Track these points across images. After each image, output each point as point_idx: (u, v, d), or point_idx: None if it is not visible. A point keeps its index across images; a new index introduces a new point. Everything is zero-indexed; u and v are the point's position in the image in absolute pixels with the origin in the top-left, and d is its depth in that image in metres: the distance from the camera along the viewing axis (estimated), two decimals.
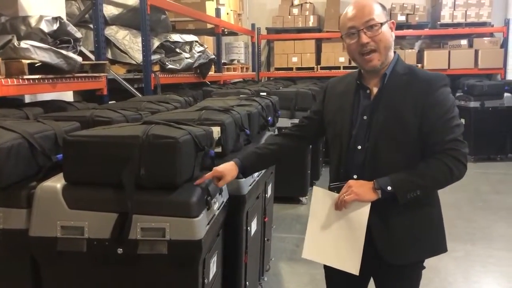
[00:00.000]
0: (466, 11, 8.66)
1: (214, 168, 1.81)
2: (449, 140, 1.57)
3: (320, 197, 1.69)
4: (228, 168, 1.82)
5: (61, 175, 1.68)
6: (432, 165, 1.58)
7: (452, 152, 1.56)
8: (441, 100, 1.60)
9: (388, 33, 1.64)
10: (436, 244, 1.71)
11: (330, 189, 1.71)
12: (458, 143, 1.57)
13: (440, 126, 1.58)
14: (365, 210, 1.60)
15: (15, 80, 2.79)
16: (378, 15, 1.62)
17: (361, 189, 1.59)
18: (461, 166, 1.57)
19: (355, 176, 1.66)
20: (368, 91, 1.70)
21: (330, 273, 1.84)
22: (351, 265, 1.64)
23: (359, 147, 1.67)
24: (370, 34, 1.61)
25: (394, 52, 1.71)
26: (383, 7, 1.67)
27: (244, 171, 1.88)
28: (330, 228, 1.67)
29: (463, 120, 6.47)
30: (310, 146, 4.86)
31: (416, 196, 1.57)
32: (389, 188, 1.56)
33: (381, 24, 1.61)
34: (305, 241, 1.73)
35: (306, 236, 1.73)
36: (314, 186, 1.75)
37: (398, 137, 1.61)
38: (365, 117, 1.68)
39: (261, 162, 1.95)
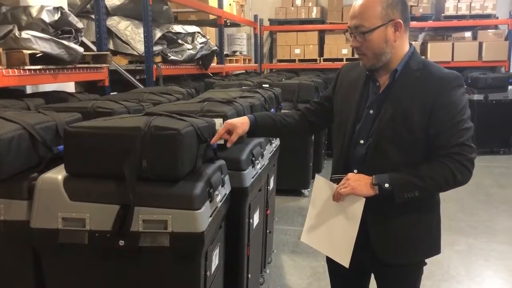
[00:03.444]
0: (470, 3, 8.59)
1: (226, 121, 1.79)
2: (456, 144, 1.51)
3: (320, 186, 1.69)
4: (240, 121, 1.78)
5: (62, 166, 1.67)
6: (435, 168, 1.53)
7: (458, 157, 1.51)
8: (452, 101, 1.53)
9: (379, 39, 1.54)
10: (432, 246, 1.70)
11: (331, 180, 1.69)
12: (465, 148, 1.52)
13: (448, 128, 1.52)
14: (360, 204, 1.58)
15: (16, 70, 2.78)
16: (371, 19, 1.53)
17: (358, 183, 1.56)
18: (465, 172, 1.53)
19: (355, 171, 1.63)
20: (377, 84, 1.65)
21: (333, 267, 1.83)
22: (342, 257, 1.64)
23: (362, 141, 1.64)
24: (359, 39, 1.57)
25: (410, 45, 1.64)
26: (391, 3, 1.53)
27: (254, 130, 1.82)
28: (326, 218, 1.68)
29: None
30: (313, 137, 4.86)
31: (415, 197, 1.53)
32: (386, 185, 1.53)
33: (372, 29, 1.53)
34: (304, 225, 1.74)
35: (306, 221, 1.74)
36: (316, 175, 1.74)
37: (402, 135, 1.56)
38: (371, 112, 1.63)
39: (272, 128, 1.87)
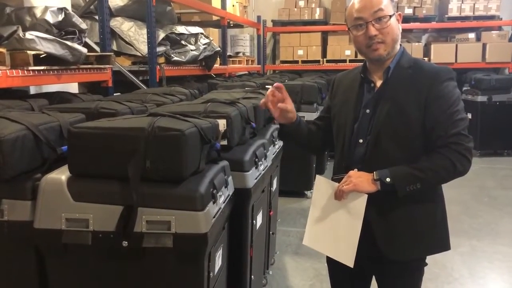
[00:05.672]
0: (474, 4, 8.57)
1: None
2: (452, 134, 1.54)
3: (321, 186, 1.69)
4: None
5: (66, 167, 1.67)
6: (434, 159, 1.55)
7: (456, 147, 1.53)
8: (445, 93, 1.57)
9: (395, 26, 1.62)
10: (438, 242, 1.69)
11: (333, 180, 1.70)
12: (462, 137, 1.54)
13: (443, 119, 1.55)
14: (362, 201, 1.59)
15: (20, 71, 2.78)
16: (386, 6, 1.59)
17: (360, 179, 1.57)
18: (465, 161, 1.54)
19: (355, 170, 1.63)
20: (372, 85, 1.69)
21: (333, 270, 1.84)
22: (346, 256, 1.64)
23: (361, 140, 1.66)
24: (378, 26, 1.58)
25: (400, 45, 1.68)
26: None
27: (291, 126, 1.79)
28: (329, 218, 1.67)
29: (469, 115, 6.43)
30: None
31: (417, 190, 1.55)
32: (388, 179, 1.54)
33: (390, 16, 1.59)
34: (306, 228, 1.74)
35: (308, 224, 1.74)
36: (317, 175, 1.74)
37: (399, 131, 1.59)
38: (368, 111, 1.66)
39: (305, 132, 1.84)
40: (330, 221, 1.67)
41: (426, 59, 8.27)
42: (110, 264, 1.64)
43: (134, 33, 4.69)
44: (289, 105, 1.75)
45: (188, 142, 1.59)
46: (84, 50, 3.24)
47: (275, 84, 1.75)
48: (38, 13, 3.03)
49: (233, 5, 7.89)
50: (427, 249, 1.69)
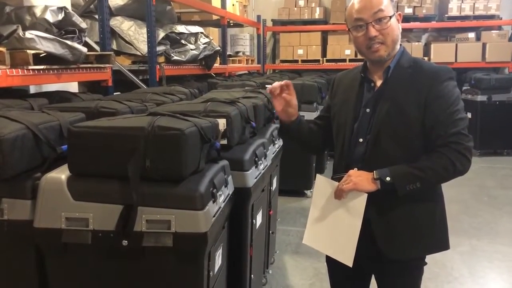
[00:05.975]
0: (474, 4, 8.56)
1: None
2: (452, 133, 1.54)
3: (322, 185, 1.70)
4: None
5: (66, 166, 1.67)
6: (433, 158, 1.55)
7: (455, 146, 1.54)
8: (445, 93, 1.57)
9: (395, 26, 1.62)
10: (438, 241, 1.69)
11: (333, 179, 1.70)
12: (462, 137, 1.55)
13: (443, 119, 1.55)
14: (362, 200, 1.59)
15: (20, 70, 2.78)
16: (386, 6, 1.59)
17: (360, 178, 1.58)
18: (464, 160, 1.55)
19: (355, 169, 1.64)
20: (372, 84, 1.69)
21: (333, 269, 1.84)
22: (346, 255, 1.64)
23: (361, 139, 1.66)
24: (378, 27, 1.59)
25: (400, 45, 1.68)
26: None
27: (292, 125, 1.81)
28: (329, 217, 1.68)
29: (469, 114, 6.44)
30: None
31: (417, 189, 1.55)
32: (388, 178, 1.54)
33: (390, 17, 1.59)
34: (306, 227, 1.74)
35: (308, 223, 1.74)
36: (317, 174, 1.75)
37: (399, 131, 1.59)
38: (367, 110, 1.67)
39: (306, 131, 1.85)
40: (330, 220, 1.68)
41: (426, 58, 8.26)
42: (110, 263, 1.64)
43: (134, 33, 4.69)
44: (294, 100, 1.76)
45: (188, 142, 1.59)
46: (84, 49, 3.24)
47: (283, 82, 1.75)
48: (38, 12, 3.03)
49: (233, 5, 7.89)
50: (427, 248, 1.69)
